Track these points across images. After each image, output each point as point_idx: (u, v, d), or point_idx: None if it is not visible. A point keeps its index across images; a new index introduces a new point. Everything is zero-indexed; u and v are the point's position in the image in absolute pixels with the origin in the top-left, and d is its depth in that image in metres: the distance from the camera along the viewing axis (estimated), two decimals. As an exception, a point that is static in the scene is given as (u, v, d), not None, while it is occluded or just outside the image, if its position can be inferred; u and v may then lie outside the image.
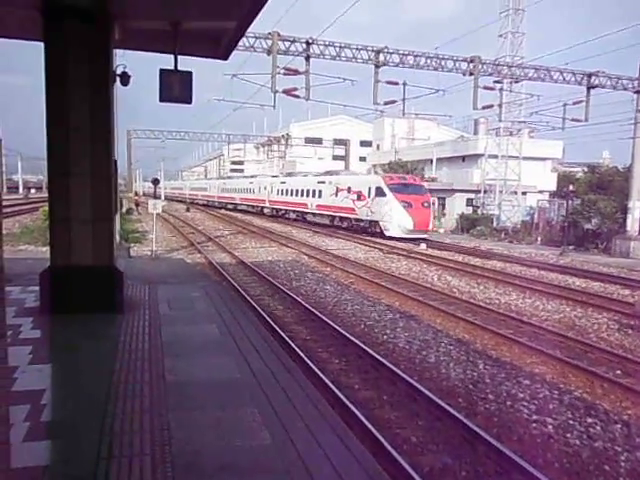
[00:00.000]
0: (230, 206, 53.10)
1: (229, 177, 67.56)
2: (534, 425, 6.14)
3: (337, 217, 32.01)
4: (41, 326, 7.20)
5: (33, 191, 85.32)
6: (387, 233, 26.63)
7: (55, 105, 7.45)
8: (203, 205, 62.17)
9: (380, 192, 27.04)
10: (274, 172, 60.31)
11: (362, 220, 28.99)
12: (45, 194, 54.61)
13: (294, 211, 38.27)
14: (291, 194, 37.89)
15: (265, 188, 43.31)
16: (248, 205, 47.63)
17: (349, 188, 29.90)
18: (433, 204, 29.13)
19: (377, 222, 27.51)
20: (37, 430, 4.13)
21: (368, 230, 28.57)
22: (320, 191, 33.19)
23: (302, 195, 35.94)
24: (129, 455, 3.77)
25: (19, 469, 3.56)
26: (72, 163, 7.57)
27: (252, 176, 54.95)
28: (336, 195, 31.13)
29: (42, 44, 7.39)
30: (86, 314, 7.39)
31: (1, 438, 2.03)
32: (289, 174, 45.38)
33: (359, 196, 28.71)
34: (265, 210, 44.23)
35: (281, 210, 41.00)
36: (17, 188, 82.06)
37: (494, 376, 7.69)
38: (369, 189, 28.03)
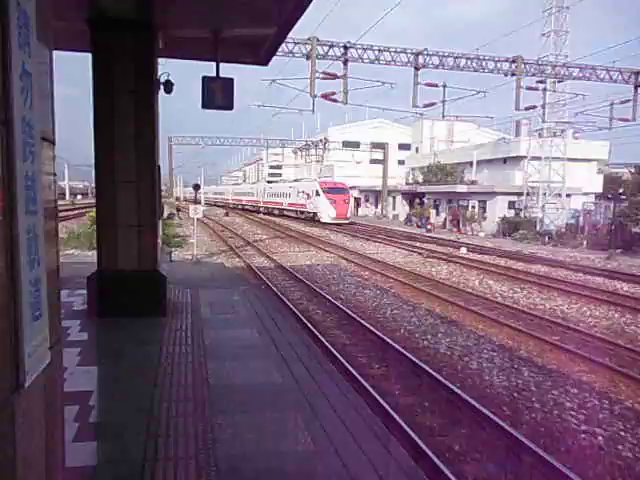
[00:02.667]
0: (240, 206, 63.19)
1: (238, 184, 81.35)
2: (583, 436, 5.93)
3: (298, 211, 44.37)
4: (88, 329, 7.40)
5: (79, 197, 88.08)
6: (321, 220, 38.70)
7: (102, 114, 7.67)
8: (222, 206, 68.97)
9: (317, 193, 39.68)
10: (312, 176, 64.96)
11: (309, 212, 41.42)
12: (90, 200, 55.97)
13: (276, 208, 50.30)
14: (274, 196, 51.19)
15: (260, 192, 55.93)
16: (250, 205, 58.71)
17: (304, 191, 42.56)
18: (354, 200, 47.34)
19: (316, 213, 39.94)
20: (86, 431, 4.24)
21: (314, 219, 40.17)
22: (290, 193, 46.37)
23: (280, 196, 49.32)
24: (174, 458, 3.82)
25: (69, 468, 3.66)
26: (118, 170, 7.78)
27: (253, 183, 69.57)
28: (297, 196, 44.05)
29: (89, 55, 7.64)
30: (131, 317, 7.56)
31: (57, 438, 2.08)
32: (275, 182, 58.87)
33: (308, 196, 41.37)
34: (260, 209, 54.76)
35: (269, 208, 52.53)
36: (64, 194, 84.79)
37: (540, 384, 7.48)
38: (312, 191, 40.59)
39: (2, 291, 1.48)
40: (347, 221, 38.78)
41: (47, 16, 1.87)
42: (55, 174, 2.02)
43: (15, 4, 1.46)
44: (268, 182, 59.74)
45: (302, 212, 43.35)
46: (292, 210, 45.61)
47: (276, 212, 50.09)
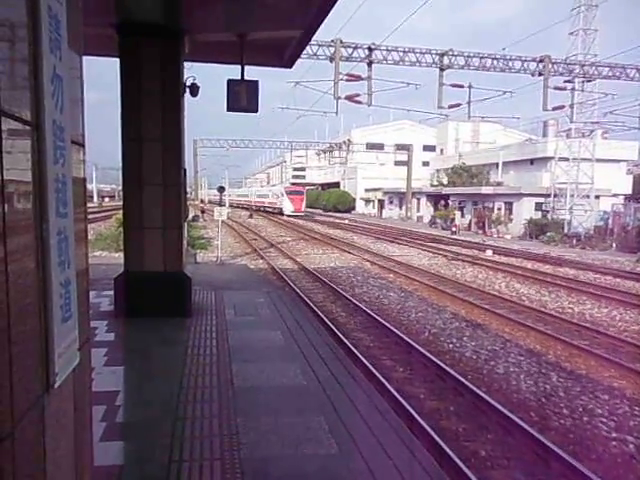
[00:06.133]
0: (240, 206, 73.45)
1: (239, 188, 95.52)
2: (614, 443, 5.79)
3: (272, 207, 58.56)
4: (115, 329, 7.51)
5: (107, 199, 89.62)
6: (285, 213, 53.21)
7: (129, 117, 7.78)
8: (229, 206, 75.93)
9: (282, 194, 55.36)
10: (336, 178, 75.51)
11: (278, 207, 55.67)
12: (117, 202, 56.81)
13: (261, 206, 63.31)
14: (259, 197, 66.88)
15: (252, 195, 71.61)
16: (247, 205, 70.53)
17: (275, 193, 59.01)
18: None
19: (282, 208, 54.26)
20: (113, 430, 4.29)
21: (281, 212, 54.25)
22: (268, 195, 62.49)
23: (263, 197, 64.75)
24: (200, 459, 3.84)
25: (96, 467, 3.70)
26: (145, 173, 7.88)
27: (248, 188, 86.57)
28: (272, 197, 59.73)
29: (117, 60, 7.76)
30: (157, 318, 7.64)
31: (86, 437, 2.11)
32: (262, 187, 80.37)
33: (278, 196, 56.78)
34: (252, 207, 65.61)
35: (257, 206, 64.88)
36: (92, 197, 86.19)
37: (569, 389, 7.33)
38: (280, 193, 56.47)
39: (33, 293, 1.50)
40: (302, 214, 53.88)
41: (78, 21, 1.90)
42: (85, 177, 2.05)
43: (46, 8, 1.49)
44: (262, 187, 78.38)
45: (274, 208, 57.70)
46: (269, 207, 60.23)
47: (261, 209, 63.20)
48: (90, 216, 39.71)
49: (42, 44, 1.46)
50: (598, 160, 32.99)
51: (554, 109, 27.64)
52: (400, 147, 56.18)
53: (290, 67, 9.79)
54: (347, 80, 23.75)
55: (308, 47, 21.14)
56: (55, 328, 1.58)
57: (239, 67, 8.37)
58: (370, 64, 23.19)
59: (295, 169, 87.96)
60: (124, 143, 7.83)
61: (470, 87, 26.00)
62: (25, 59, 1.45)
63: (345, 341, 8.76)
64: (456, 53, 24.22)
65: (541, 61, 24.74)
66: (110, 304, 8.67)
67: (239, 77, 8.37)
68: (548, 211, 34.32)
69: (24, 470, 1.44)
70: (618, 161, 39.12)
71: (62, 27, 1.61)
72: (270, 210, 59.58)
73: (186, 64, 8.55)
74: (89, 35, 7.55)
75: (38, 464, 1.55)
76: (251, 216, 52.14)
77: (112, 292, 8.40)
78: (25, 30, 1.44)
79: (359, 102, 24.41)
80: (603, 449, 5.64)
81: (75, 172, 1.82)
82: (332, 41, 22.53)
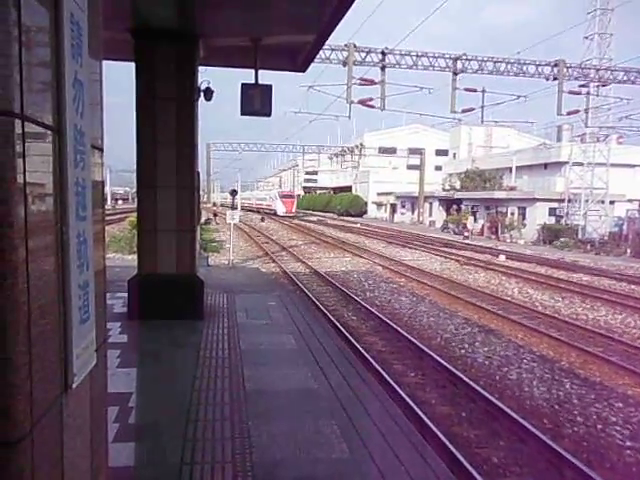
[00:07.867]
0: (243, 208, 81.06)
1: (244, 192, 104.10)
2: (628, 452, 5.72)
3: (268, 209, 64.88)
4: (128, 331, 7.55)
5: (120, 202, 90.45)
6: (278, 214, 59.39)
7: (144, 121, 7.85)
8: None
9: (276, 197, 63.59)
10: (348, 182, 77.43)
11: (273, 209, 62.29)
12: (130, 205, 57.50)
13: (260, 208, 69.15)
14: (259, 200, 74.41)
15: (253, 198, 79.44)
16: (249, 208, 76.42)
17: (271, 197, 67.17)
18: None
19: (276, 210, 60.91)
20: (125, 432, 4.31)
21: (275, 213, 60.60)
22: (266, 198, 70.87)
23: (262, 200, 72.52)
24: (211, 462, 3.85)
25: (109, 468, 3.73)
26: (159, 176, 7.94)
27: (250, 192, 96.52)
28: (268, 200, 67.81)
29: (133, 64, 7.84)
30: (169, 320, 7.68)
31: (101, 438, 2.14)
32: (261, 191, 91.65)
33: (273, 199, 64.38)
34: (253, 209, 73.05)
35: (257, 208, 71.29)
36: (106, 199, 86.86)
37: (582, 397, 7.25)
38: (275, 196, 64.65)
39: (53, 294, 1.52)
40: (293, 214, 60.31)
41: (98, 27, 1.93)
42: (103, 180, 2.08)
43: (69, 16, 1.51)
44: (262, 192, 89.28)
45: (270, 210, 64.26)
46: (266, 208, 66.53)
47: (260, 210, 68.56)
48: (106, 218, 39.93)
49: (64, 50, 1.49)
50: (613, 165, 32.65)
51: (569, 114, 27.47)
52: (413, 151, 56.05)
53: (304, 71, 9.83)
54: (360, 84, 23.79)
55: (321, 51, 21.21)
56: (74, 329, 1.60)
57: (253, 71, 8.43)
58: (383, 68, 23.22)
59: (307, 173, 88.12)
60: (139, 146, 7.90)
61: (484, 91, 25.96)
62: (48, 65, 1.48)
63: (356, 345, 8.75)
64: (470, 57, 24.17)
65: (555, 65, 24.61)
66: (123, 306, 8.72)
67: (253, 81, 8.43)
68: (562, 216, 34.01)
69: (42, 470, 1.46)
70: (633, 166, 38.69)
71: (83, 33, 1.64)
72: (267, 211, 66.39)
73: (200, 68, 8.62)
74: (106, 40, 7.65)
75: (55, 464, 1.57)
76: (263, 219, 52.27)
77: (126, 294, 8.45)
78: (48, 36, 1.47)
79: (372, 106, 24.44)
80: (617, 458, 5.58)
81: (94, 176, 1.85)
82: (345, 45, 22.57)
